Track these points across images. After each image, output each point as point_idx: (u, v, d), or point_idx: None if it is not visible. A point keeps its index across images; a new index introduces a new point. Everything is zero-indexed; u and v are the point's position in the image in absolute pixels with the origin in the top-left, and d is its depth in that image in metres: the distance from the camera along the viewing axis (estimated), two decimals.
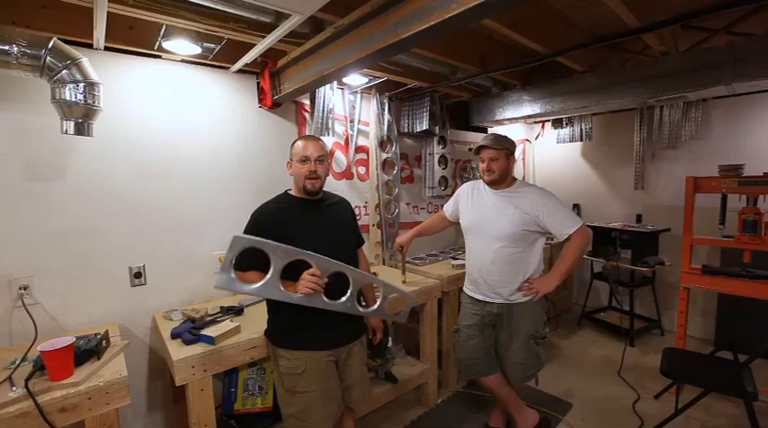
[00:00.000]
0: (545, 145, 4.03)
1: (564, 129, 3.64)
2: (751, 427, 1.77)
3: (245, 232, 1.37)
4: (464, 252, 2.93)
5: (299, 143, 1.46)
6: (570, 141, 3.63)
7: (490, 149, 1.76)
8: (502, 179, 1.79)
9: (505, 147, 1.77)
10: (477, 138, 3.49)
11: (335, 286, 1.31)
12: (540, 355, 1.85)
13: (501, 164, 1.76)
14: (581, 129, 3.53)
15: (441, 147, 2.98)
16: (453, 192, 3.26)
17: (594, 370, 2.71)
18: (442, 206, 3.40)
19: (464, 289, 1.96)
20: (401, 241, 2.08)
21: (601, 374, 2.64)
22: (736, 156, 2.66)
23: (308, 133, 2.34)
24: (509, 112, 2.83)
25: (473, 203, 1.90)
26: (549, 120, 3.76)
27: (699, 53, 2.00)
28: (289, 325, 1.41)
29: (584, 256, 3.35)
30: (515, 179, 1.85)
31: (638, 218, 3.32)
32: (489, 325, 1.87)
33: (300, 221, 1.43)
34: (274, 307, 1.46)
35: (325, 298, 1.30)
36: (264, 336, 1.52)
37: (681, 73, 2.03)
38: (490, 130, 3.57)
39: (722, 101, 2.92)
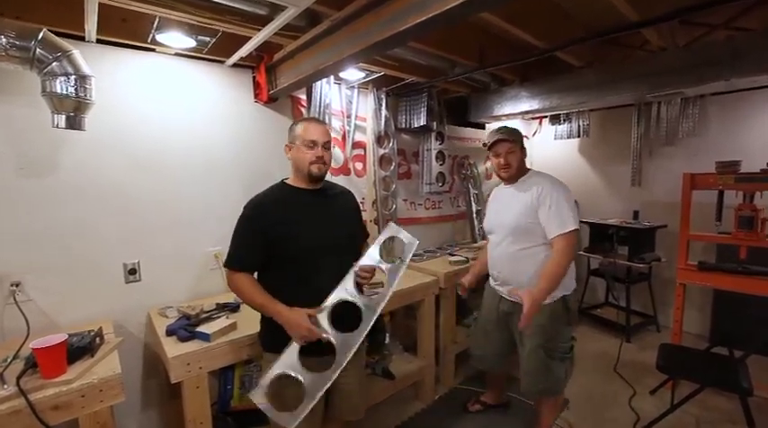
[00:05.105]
0: (543, 141, 4.02)
1: (562, 126, 3.63)
2: (746, 422, 1.79)
3: (236, 228, 1.29)
4: (461, 248, 2.93)
5: (304, 125, 1.34)
6: (568, 137, 3.62)
7: (507, 142, 1.69)
8: (519, 173, 1.74)
9: (519, 138, 1.73)
10: (475, 134, 3.47)
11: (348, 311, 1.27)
12: (552, 370, 1.65)
13: (517, 157, 1.71)
14: (579, 126, 3.53)
15: (438, 142, 2.96)
16: (450, 188, 3.29)
17: (591, 365, 2.72)
18: (440, 202, 3.36)
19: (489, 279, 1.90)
20: (466, 283, 1.89)
21: (597, 370, 2.66)
22: (732, 152, 2.65)
23: None
24: (507, 108, 2.82)
25: (492, 204, 1.89)
26: (546, 116, 3.75)
27: (697, 49, 1.99)
28: (278, 326, 1.24)
29: (581, 253, 3.34)
30: (529, 169, 1.78)
31: (635, 215, 3.32)
32: (504, 321, 1.78)
33: (303, 215, 1.31)
34: None
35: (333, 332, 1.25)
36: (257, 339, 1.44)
37: (679, 68, 2.02)
38: (488, 126, 3.55)
39: (719, 97, 2.92)
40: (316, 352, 1.25)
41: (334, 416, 1.46)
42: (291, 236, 1.26)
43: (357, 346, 1.28)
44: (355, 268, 1.33)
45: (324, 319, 1.25)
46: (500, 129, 1.74)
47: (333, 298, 1.27)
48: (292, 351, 1.23)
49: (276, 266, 1.29)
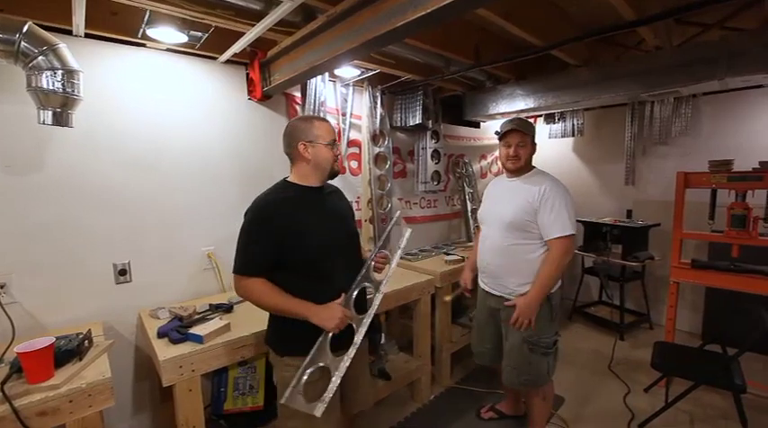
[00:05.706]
0: (537, 140, 4.02)
1: (556, 125, 3.64)
2: (739, 419, 1.80)
3: (247, 231, 1.23)
4: (457, 247, 2.90)
5: (323, 125, 1.31)
6: (562, 136, 3.63)
7: (519, 133, 1.66)
8: (526, 166, 1.72)
9: (532, 132, 1.70)
10: (470, 133, 3.47)
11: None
12: (533, 364, 1.67)
13: (527, 151, 1.68)
14: (573, 125, 3.54)
15: (434, 141, 2.95)
16: (446, 187, 3.28)
17: (586, 363, 2.73)
18: (435, 201, 3.35)
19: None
20: (467, 282, 1.93)
21: (592, 368, 2.67)
22: (725, 151, 2.68)
23: None
24: (502, 107, 2.81)
25: (489, 195, 1.86)
26: (541, 115, 3.76)
27: (692, 48, 2.00)
28: (295, 328, 1.23)
29: (576, 251, 3.36)
30: (533, 167, 1.77)
31: (629, 214, 3.34)
32: (493, 316, 1.80)
33: (312, 213, 1.29)
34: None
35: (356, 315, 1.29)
36: (265, 344, 1.39)
37: (674, 67, 2.03)
38: (483, 125, 3.55)
39: (712, 97, 2.95)
40: (342, 345, 1.25)
41: (345, 408, 1.44)
42: (305, 235, 1.23)
43: (369, 322, 1.31)
44: (372, 257, 1.39)
45: (349, 307, 1.29)
46: (514, 119, 1.72)
47: (355, 287, 1.32)
48: (324, 344, 1.23)
49: (290, 268, 1.24)
